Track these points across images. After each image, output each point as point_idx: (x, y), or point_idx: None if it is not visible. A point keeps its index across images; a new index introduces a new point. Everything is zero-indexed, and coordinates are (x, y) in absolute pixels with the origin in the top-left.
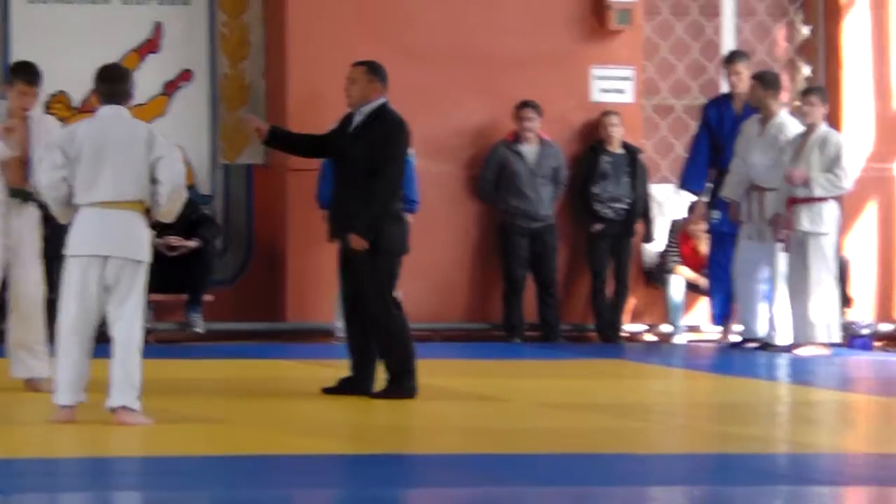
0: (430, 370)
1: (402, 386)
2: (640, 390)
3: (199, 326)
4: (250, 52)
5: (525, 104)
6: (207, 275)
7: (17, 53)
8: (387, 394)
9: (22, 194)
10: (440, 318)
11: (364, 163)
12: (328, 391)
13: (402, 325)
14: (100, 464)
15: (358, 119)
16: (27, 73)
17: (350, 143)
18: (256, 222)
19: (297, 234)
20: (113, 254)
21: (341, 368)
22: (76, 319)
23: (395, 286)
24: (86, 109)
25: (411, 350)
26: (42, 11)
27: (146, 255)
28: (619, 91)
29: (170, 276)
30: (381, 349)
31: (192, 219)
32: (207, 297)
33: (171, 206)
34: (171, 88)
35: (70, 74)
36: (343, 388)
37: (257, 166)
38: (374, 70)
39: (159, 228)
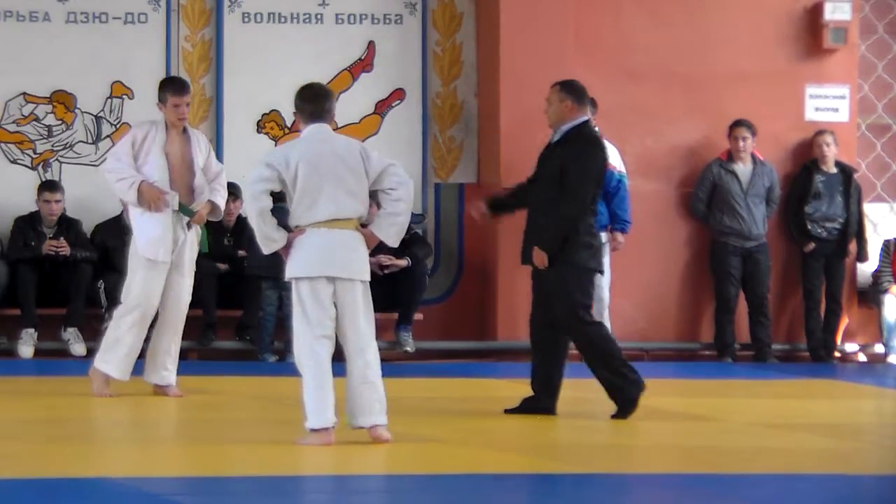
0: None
1: (626, 392)
2: (853, 410)
3: (409, 345)
4: (463, 71)
5: (739, 123)
6: (418, 294)
7: (230, 72)
8: (622, 411)
9: (184, 210)
10: (651, 338)
11: (555, 181)
12: (510, 412)
13: (602, 334)
14: (326, 481)
15: (554, 138)
16: (176, 85)
17: (544, 162)
18: (467, 241)
19: (508, 252)
20: (340, 274)
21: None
22: (319, 342)
23: (590, 305)
24: (297, 129)
25: (619, 355)
26: (255, 30)
27: (368, 275)
28: (834, 110)
29: (380, 294)
30: (591, 367)
31: (403, 238)
32: (417, 316)
33: (406, 216)
34: (383, 107)
35: (283, 93)
36: (526, 408)
37: (469, 185)
38: (568, 90)
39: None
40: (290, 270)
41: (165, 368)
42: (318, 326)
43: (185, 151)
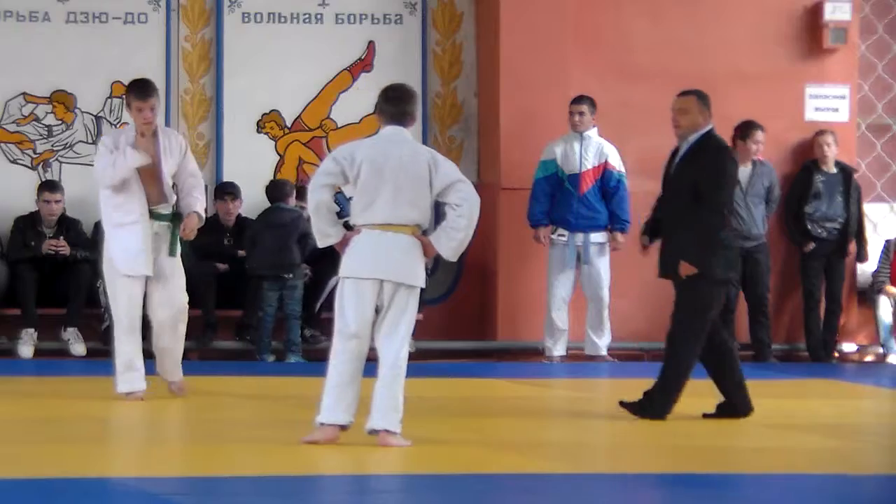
0: (641, 389)
1: (653, 405)
2: (853, 410)
3: (410, 345)
4: (463, 71)
5: (757, 126)
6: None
7: (230, 72)
8: (635, 408)
9: (155, 215)
10: (651, 338)
11: (689, 191)
12: (708, 416)
13: (691, 357)
14: (329, 481)
15: (684, 148)
16: (138, 89)
17: (677, 173)
18: None
19: (508, 252)
20: (388, 278)
21: (551, 387)
22: (350, 342)
23: (709, 316)
24: (297, 128)
25: (683, 382)
26: (255, 30)
27: (421, 281)
28: (834, 110)
29: None
30: (663, 364)
31: None
32: (418, 316)
33: (467, 232)
34: None
35: (282, 93)
36: (723, 413)
37: None
38: (703, 99)
39: None
40: (341, 269)
41: (167, 366)
42: (352, 325)
43: (151, 153)
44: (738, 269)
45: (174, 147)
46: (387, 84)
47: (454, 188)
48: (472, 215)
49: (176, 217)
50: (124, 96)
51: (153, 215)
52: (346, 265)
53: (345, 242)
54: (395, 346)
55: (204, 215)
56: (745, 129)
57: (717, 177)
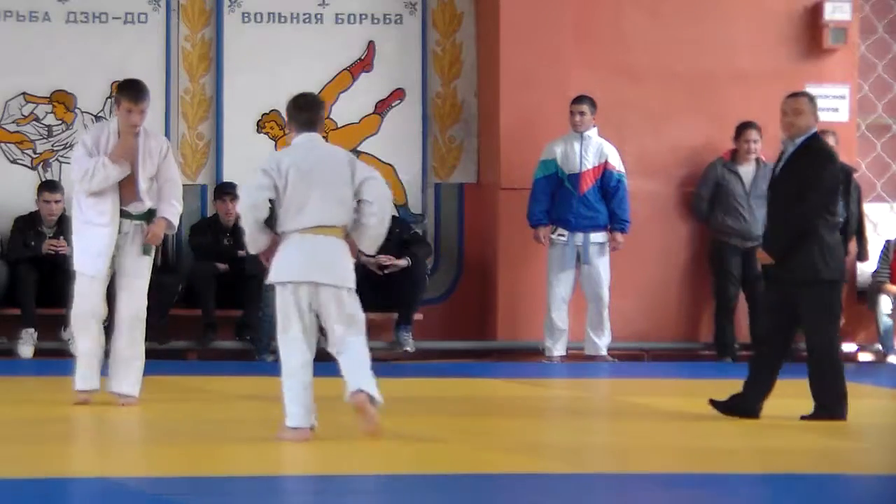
0: (641, 389)
1: (832, 410)
2: (853, 410)
3: (409, 345)
4: (463, 71)
5: (749, 125)
6: (418, 294)
7: (230, 72)
8: (815, 416)
9: (127, 215)
10: (651, 338)
11: (793, 194)
12: (715, 404)
13: (837, 353)
14: (325, 481)
15: (790, 150)
16: (132, 91)
17: (781, 175)
18: (467, 241)
19: (508, 252)
20: (323, 281)
21: (551, 387)
22: (291, 344)
23: (838, 316)
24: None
25: (842, 376)
26: (255, 30)
27: (352, 282)
28: (834, 110)
29: (380, 294)
30: (813, 374)
31: (403, 238)
32: (417, 316)
33: (380, 229)
34: (383, 107)
35: (283, 93)
36: (729, 407)
37: (469, 185)
38: (812, 101)
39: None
40: (273, 275)
41: (117, 376)
42: (295, 331)
43: (131, 155)
44: (738, 270)
45: (154, 150)
46: (296, 94)
47: (367, 184)
48: (384, 212)
49: (150, 214)
50: (115, 94)
51: (124, 214)
52: (280, 270)
53: (271, 250)
54: (344, 344)
55: (176, 222)
56: (739, 129)
57: (813, 178)
